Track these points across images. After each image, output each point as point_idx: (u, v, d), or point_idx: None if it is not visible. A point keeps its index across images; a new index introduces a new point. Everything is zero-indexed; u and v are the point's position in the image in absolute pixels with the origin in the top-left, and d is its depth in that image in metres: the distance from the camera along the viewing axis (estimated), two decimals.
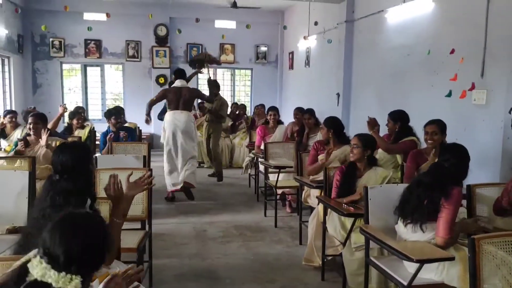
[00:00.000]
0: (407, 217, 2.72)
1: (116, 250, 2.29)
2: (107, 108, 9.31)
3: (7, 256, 1.91)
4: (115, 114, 5.92)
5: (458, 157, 2.77)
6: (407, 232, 2.74)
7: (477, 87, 4.69)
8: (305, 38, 9.27)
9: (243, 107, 9.94)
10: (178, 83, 6.32)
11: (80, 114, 6.64)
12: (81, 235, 1.38)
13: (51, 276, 1.30)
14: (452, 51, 5.05)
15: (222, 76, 11.97)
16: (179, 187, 6.13)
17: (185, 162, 6.12)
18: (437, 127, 3.77)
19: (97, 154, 5.32)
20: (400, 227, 2.81)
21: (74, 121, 6.46)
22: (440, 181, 2.65)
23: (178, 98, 6.12)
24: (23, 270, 1.34)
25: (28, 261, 1.37)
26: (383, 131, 4.93)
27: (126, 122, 7.19)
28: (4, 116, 6.16)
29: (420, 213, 2.65)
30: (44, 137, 4.42)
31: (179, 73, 6.48)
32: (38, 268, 1.32)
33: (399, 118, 4.60)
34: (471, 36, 4.78)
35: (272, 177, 5.54)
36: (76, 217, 1.46)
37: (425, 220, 2.63)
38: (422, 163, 3.77)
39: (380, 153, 4.58)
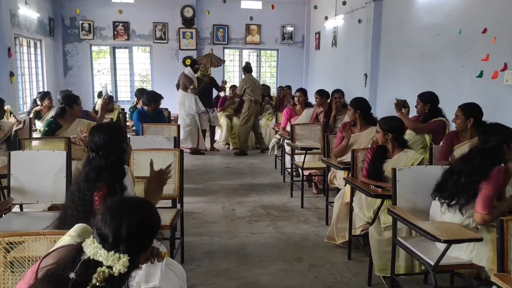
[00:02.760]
0: (445, 198, 2.72)
1: None
2: (136, 89, 9.51)
3: (49, 231, 2.04)
4: (152, 100, 6.18)
5: (502, 137, 2.73)
6: (442, 211, 2.74)
7: (509, 67, 4.59)
8: (326, 18, 9.20)
9: (267, 88, 9.94)
10: (185, 70, 8.27)
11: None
12: (128, 218, 1.45)
13: (101, 254, 1.39)
14: (484, 31, 4.94)
15: (248, 57, 11.96)
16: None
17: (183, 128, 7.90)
18: (461, 111, 3.72)
19: (129, 135, 5.47)
20: (435, 205, 2.82)
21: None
22: (480, 166, 2.63)
23: (178, 80, 8.28)
24: (79, 249, 1.44)
25: (83, 241, 1.48)
26: (413, 113, 4.90)
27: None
28: (42, 99, 6.38)
29: (460, 196, 2.64)
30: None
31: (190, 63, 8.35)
32: (91, 247, 1.42)
33: (429, 99, 4.54)
34: (504, 15, 4.65)
35: (298, 159, 5.60)
36: (125, 202, 1.57)
37: (466, 203, 2.63)
38: (456, 144, 3.76)
39: (408, 134, 4.56)
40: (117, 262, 1.38)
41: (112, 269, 1.37)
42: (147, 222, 1.51)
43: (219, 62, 8.56)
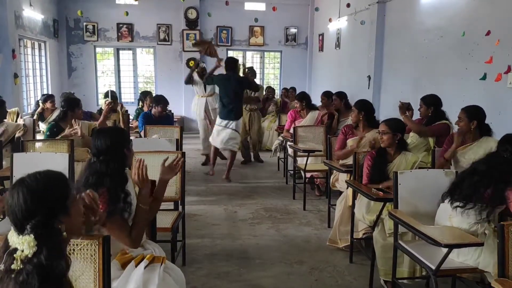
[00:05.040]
0: (458, 200, 2.68)
1: (140, 234, 2.34)
2: (140, 91, 9.55)
3: None
4: (160, 102, 6.05)
5: None
6: (454, 214, 2.70)
7: None
8: (330, 20, 9.18)
9: (272, 90, 9.93)
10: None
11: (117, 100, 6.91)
12: (17, 198, 1.42)
13: (14, 240, 1.40)
14: (488, 33, 4.92)
15: (252, 58, 11.97)
16: None
17: None
18: (464, 113, 3.71)
19: (132, 137, 5.48)
20: (444, 208, 2.79)
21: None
22: (502, 173, 2.60)
23: None
24: (7, 240, 1.45)
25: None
26: (416, 115, 4.89)
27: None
28: (45, 101, 6.41)
29: (477, 201, 2.59)
30: (77, 126, 4.49)
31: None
32: (9, 236, 1.43)
33: (432, 102, 4.54)
34: (508, 17, 4.64)
35: (301, 161, 5.59)
36: (15, 184, 1.48)
37: (492, 210, 2.59)
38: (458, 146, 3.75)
39: (412, 136, 4.56)
40: (24, 244, 1.38)
41: (23, 252, 1.37)
42: (38, 194, 1.44)
43: (215, 54, 7.21)
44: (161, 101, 5.99)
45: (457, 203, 2.68)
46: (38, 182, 1.48)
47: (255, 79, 7.93)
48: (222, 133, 6.45)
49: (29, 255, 1.37)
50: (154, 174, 2.80)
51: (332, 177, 4.69)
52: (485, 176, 2.64)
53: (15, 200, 1.43)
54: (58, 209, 1.48)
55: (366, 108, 4.49)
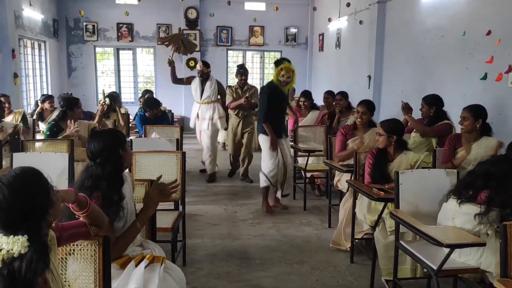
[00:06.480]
0: (470, 201, 2.65)
1: (122, 249, 2.29)
2: (139, 91, 9.54)
3: None
4: (153, 106, 6.04)
5: None
6: (457, 215, 2.68)
7: None
8: (329, 20, 9.16)
9: None
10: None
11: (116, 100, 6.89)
12: (8, 199, 1.43)
13: (3, 242, 1.41)
14: (489, 33, 4.91)
15: (252, 58, 11.96)
16: None
17: None
18: (468, 112, 3.70)
19: (132, 137, 5.48)
20: (447, 209, 2.78)
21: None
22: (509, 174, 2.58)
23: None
24: None
25: None
26: (416, 115, 4.87)
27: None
28: (43, 101, 6.41)
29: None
30: (75, 126, 4.45)
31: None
32: None
33: (434, 102, 4.52)
34: (508, 17, 4.62)
35: (302, 161, 5.58)
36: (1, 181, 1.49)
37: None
38: (459, 147, 3.75)
39: (414, 136, 4.55)
40: (16, 244, 1.40)
41: (9, 252, 1.39)
42: (31, 199, 1.48)
43: (190, 48, 6.70)
44: (152, 105, 6.00)
45: (476, 206, 2.60)
46: (19, 182, 1.48)
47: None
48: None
49: (15, 255, 1.39)
50: (153, 174, 2.80)
51: (336, 178, 4.66)
52: (501, 182, 2.58)
53: (4, 204, 1.43)
54: (47, 205, 1.53)
55: (373, 109, 4.51)
